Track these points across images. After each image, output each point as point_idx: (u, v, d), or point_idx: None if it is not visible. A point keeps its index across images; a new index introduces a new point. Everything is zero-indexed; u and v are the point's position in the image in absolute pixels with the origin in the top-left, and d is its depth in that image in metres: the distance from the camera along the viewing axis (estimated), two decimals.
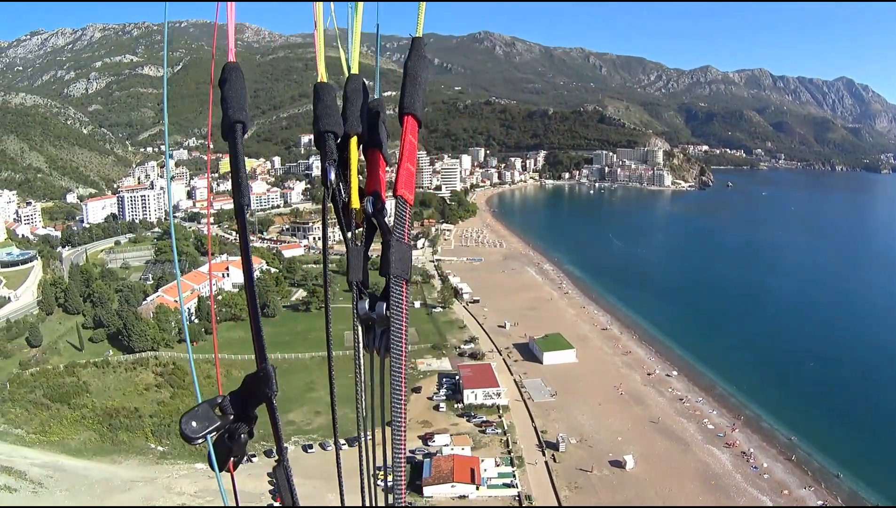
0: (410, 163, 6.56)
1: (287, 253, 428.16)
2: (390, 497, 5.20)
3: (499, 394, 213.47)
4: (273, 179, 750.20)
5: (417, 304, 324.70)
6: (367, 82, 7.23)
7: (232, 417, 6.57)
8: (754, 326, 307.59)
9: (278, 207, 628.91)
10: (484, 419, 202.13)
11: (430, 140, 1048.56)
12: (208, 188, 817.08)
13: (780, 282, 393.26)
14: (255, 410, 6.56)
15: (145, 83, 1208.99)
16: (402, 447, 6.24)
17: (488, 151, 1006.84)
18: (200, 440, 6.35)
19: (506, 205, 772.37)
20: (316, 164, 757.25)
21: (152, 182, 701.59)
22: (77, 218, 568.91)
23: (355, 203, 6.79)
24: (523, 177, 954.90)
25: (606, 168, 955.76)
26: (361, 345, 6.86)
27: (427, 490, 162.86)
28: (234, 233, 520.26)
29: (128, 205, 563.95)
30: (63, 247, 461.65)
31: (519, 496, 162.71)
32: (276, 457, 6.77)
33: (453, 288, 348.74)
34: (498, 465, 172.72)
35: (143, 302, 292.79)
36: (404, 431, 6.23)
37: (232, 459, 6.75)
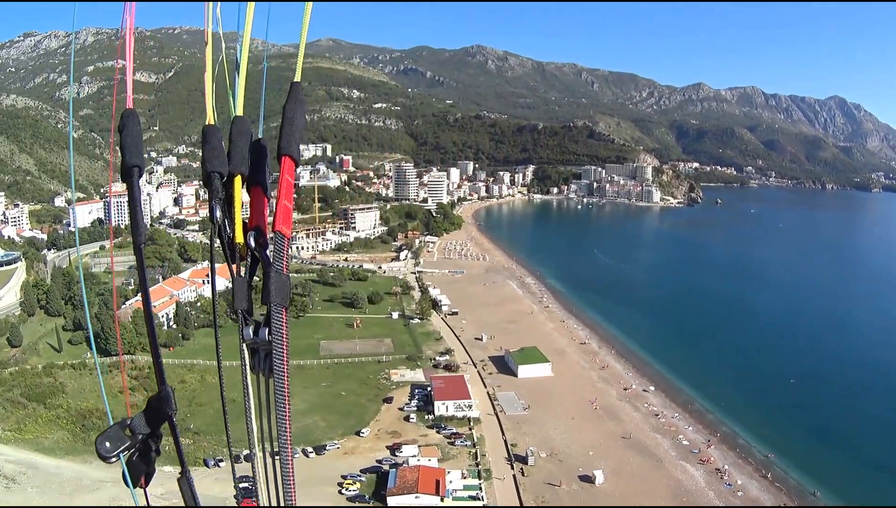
0: (288, 200, 6.96)
1: None
2: None
3: (470, 406, 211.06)
4: None
5: (395, 315, 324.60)
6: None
7: (141, 436, 7.22)
8: (737, 342, 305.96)
9: None
10: (454, 430, 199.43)
11: (419, 153, 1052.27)
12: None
13: (765, 298, 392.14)
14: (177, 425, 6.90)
15: (137, 89, 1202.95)
16: (290, 464, 6.82)
17: (477, 165, 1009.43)
18: (114, 459, 7.00)
19: (492, 219, 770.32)
20: (303, 173, 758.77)
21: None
22: (64, 222, 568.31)
23: (239, 238, 7.28)
24: (511, 191, 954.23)
25: (595, 184, 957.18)
26: (248, 368, 7.46)
27: (391, 501, 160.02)
28: (217, 241, 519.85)
29: (114, 210, 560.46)
30: (48, 250, 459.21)
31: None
32: (180, 469, 7.62)
33: (432, 300, 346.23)
34: (465, 477, 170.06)
35: (123, 306, 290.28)
36: (290, 448, 6.75)
37: (144, 475, 7.39)
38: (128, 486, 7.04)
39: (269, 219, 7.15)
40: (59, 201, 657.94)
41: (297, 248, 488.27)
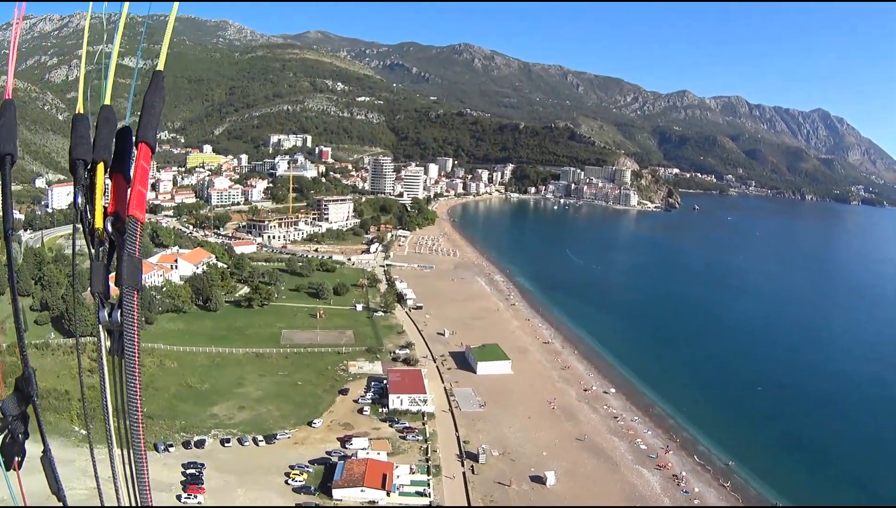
0: (142, 186, 7.19)
1: (239, 249, 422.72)
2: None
3: (425, 401, 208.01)
4: (237, 177, 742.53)
5: (360, 307, 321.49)
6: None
7: (11, 418, 7.42)
8: (706, 348, 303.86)
9: (238, 204, 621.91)
10: (407, 425, 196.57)
11: (399, 147, 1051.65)
12: None
13: (738, 306, 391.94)
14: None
15: (124, 74, 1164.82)
16: (142, 446, 7.02)
17: (456, 162, 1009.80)
18: None
19: (467, 215, 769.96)
20: (280, 163, 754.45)
21: None
22: (42, 203, 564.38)
23: (99, 224, 7.41)
24: (489, 189, 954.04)
25: (573, 185, 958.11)
26: (104, 350, 7.48)
27: (336, 493, 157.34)
28: (190, 226, 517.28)
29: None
30: (24, 230, 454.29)
31: (430, 506, 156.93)
32: (42, 449, 7.81)
33: (398, 293, 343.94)
34: (413, 472, 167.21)
35: (88, 289, 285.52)
36: (141, 431, 7.02)
37: (16, 458, 7.63)
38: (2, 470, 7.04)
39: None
40: (40, 183, 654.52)
41: (269, 237, 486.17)
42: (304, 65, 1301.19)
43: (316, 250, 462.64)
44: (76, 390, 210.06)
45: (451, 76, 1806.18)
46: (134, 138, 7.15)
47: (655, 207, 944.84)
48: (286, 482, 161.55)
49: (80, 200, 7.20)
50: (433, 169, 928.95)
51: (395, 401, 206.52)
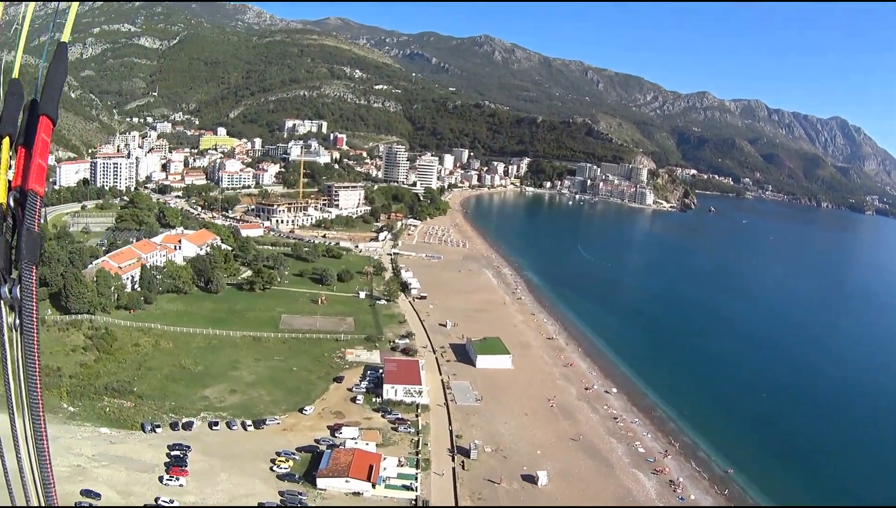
0: (42, 159, 7.08)
1: (246, 232, 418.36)
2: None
3: (420, 392, 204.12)
4: (250, 160, 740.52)
5: (363, 295, 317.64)
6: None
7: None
8: (713, 351, 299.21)
9: (249, 187, 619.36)
10: (399, 416, 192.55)
11: (415, 137, 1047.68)
12: None
13: (747, 309, 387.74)
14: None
15: (140, 54, 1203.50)
16: (42, 428, 7.01)
17: (472, 154, 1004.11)
18: None
19: (480, 207, 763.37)
20: (294, 148, 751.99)
21: (129, 151, 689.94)
22: (50, 180, 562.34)
23: (2, 198, 7.19)
24: (504, 182, 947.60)
25: (589, 181, 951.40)
26: (5, 325, 7.25)
27: (321, 482, 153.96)
28: (199, 208, 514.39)
29: (100, 171, 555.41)
30: None
31: (416, 500, 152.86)
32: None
33: (402, 282, 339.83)
34: (401, 465, 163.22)
35: (89, 266, 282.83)
36: (41, 408, 6.95)
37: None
38: None
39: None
40: (49, 160, 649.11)
41: (277, 221, 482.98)
42: (323, 51, 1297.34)
43: (324, 236, 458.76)
44: (67, 367, 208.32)
45: (470, 68, 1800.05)
46: (37, 111, 7.00)
47: (671, 206, 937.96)
48: (271, 468, 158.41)
49: None
50: (448, 160, 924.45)
51: (390, 391, 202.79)
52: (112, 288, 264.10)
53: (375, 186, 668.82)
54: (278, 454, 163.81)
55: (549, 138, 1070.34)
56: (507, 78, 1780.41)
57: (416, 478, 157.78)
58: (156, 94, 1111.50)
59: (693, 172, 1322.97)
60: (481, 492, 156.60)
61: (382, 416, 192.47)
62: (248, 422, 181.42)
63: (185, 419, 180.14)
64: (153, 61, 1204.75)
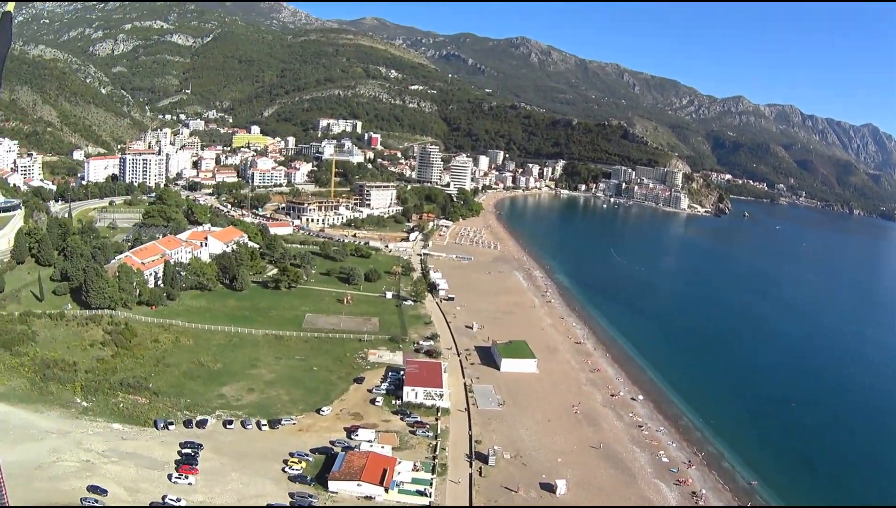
0: None
1: (274, 230, 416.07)
2: None
3: (441, 396, 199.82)
4: (283, 159, 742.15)
5: (389, 295, 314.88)
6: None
7: None
8: (741, 357, 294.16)
9: (281, 185, 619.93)
10: (418, 419, 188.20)
11: (451, 137, 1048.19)
12: None
13: (778, 316, 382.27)
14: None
15: (173, 51, 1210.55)
16: None
17: (507, 155, 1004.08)
18: None
19: (514, 209, 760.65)
20: (327, 147, 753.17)
21: (160, 148, 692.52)
22: (79, 175, 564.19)
23: None
24: (539, 184, 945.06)
25: (624, 184, 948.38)
26: None
27: (333, 485, 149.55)
28: (228, 205, 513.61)
29: (129, 167, 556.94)
30: (56, 201, 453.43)
31: (429, 506, 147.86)
32: None
33: (430, 283, 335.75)
34: (416, 470, 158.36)
35: (112, 261, 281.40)
36: None
37: None
38: None
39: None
40: (78, 155, 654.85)
41: (307, 219, 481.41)
42: (359, 51, 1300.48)
43: (354, 236, 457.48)
44: (84, 362, 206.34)
45: (506, 69, 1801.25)
46: None
47: (705, 211, 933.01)
48: (283, 469, 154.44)
49: None
50: (483, 161, 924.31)
51: (410, 394, 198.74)
52: (134, 284, 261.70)
53: (408, 187, 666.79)
54: (291, 454, 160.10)
55: (584, 141, 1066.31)
56: (543, 80, 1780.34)
57: (431, 484, 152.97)
58: (189, 91, 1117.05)
59: (728, 176, 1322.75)
60: (497, 500, 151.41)
61: (401, 419, 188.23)
62: (264, 422, 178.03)
63: (199, 417, 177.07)
64: (186, 59, 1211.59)
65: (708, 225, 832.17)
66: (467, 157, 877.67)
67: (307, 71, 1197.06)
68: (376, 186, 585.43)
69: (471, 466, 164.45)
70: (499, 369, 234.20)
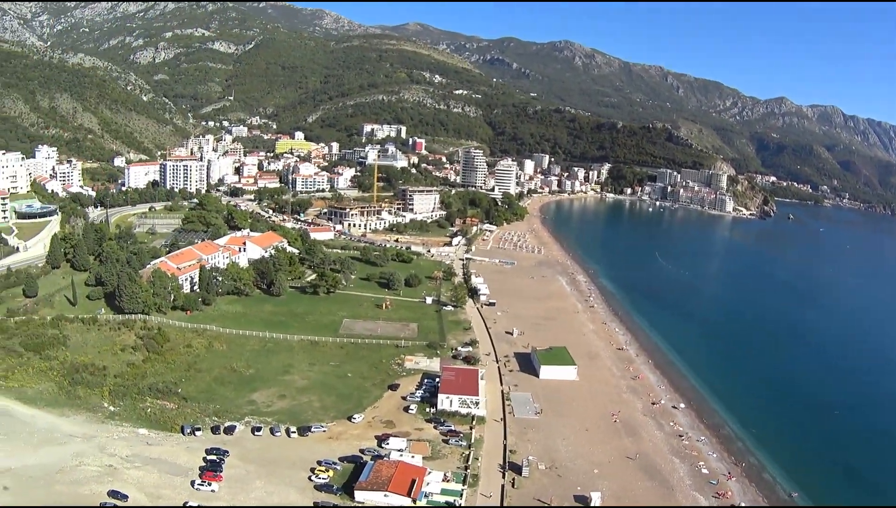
0: None
1: (315, 235, 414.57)
2: None
3: (476, 403, 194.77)
4: (326, 164, 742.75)
5: (429, 300, 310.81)
6: None
7: None
8: (785, 364, 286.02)
9: (323, 190, 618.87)
10: (452, 428, 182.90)
11: (496, 142, 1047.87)
12: None
13: (824, 322, 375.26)
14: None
15: (215, 58, 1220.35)
16: None
17: (552, 159, 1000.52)
18: None
19: (559, 213, 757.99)
20: (371, 152, 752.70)
21: (202, 154, 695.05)
22: (119, 181, 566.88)
23: None
24: (584, 188, 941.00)
25: (669, 187, 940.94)
26: None
27: (359, 495, 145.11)
28: (270, 211, 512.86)
29: (170, 173, 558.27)
30: (96, 207, 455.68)
31: None
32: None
33: (471, 288, 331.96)
34: (447, 480, 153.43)
35: (147, 266, 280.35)
36: None
37: None
38: None
39: None
40: (119, 161, 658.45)
41: (349, 225, 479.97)
42: (402, 56, 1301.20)
43: (396, 241, 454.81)
44: (114, 366, 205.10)
45: (551, 73, 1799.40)
46: None
47: (750, 214, 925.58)
48: (310, 477, 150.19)
49: None
50: (528, 165, 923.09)
51: (444, 401, 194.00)
52: (168, 289, 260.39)
53: (452, 191, 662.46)
54: (319, 463, 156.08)
55: (629, 144, 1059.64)
56: (588, 83, 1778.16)
57: (461, 495, 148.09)
58: (232, 98, 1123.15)
59: (772, 179, 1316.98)
60: None
61: (434, 427, 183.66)
62: (293, 429, 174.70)
63: (227, 423, 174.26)
64: (228, 66, 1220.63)
65: (753, 228, 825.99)
66: (512, 161, 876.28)
67: (351, 77, 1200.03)
68: (419, 191, 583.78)
69: (503, 477, 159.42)
70: (538, 376, 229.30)
